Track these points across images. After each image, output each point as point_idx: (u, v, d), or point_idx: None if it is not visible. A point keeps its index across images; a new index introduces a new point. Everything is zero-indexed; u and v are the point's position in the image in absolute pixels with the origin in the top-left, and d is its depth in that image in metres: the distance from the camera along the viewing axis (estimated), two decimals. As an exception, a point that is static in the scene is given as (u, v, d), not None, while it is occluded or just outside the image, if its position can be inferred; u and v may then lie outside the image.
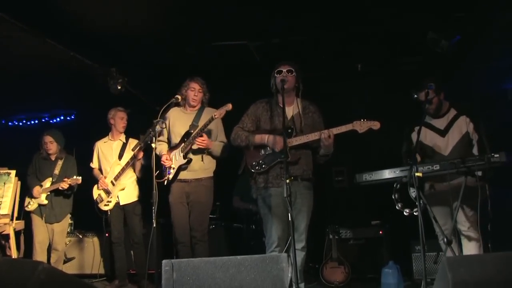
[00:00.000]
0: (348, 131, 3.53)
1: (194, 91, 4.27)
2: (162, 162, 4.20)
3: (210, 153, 4.21)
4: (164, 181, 4.21)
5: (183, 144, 4.17)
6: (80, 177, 5.06)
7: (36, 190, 5.11)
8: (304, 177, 3.67)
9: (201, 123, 4.17)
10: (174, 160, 4.19)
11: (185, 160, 4.12)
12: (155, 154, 4.00)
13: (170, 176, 4.18)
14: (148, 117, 4.25)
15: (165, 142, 4.39)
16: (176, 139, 4.27)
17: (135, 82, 5.80)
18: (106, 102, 5.38)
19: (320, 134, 3.52)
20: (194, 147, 4.10)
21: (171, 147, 4.31)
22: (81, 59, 5.25)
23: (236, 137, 3.79)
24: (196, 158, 4.16)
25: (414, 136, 3.86)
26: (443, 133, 3.78)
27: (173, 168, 4.17)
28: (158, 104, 4.20)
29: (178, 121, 4.30)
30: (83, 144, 5.58)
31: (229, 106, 3.92)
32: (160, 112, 4.03)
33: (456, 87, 4.58)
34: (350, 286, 4.78)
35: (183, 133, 4.23)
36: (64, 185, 5.00)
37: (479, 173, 3.43)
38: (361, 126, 3.50)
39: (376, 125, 3.51)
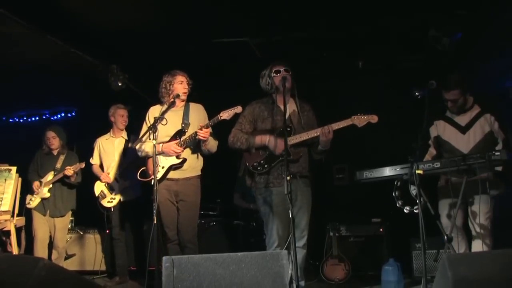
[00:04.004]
0: (348, 126, 3.55)
1: (183, 83, 4.02)
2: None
3: (206, 147, 3.93)
4: (150, 180, 3.95)
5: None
6: (84, 162, 5.08)
7: (36, 185, 5.12)
8: (302, 174, 3.69)
9: (192, 120, 4.01)
10: (164, 159, 3.94)
11: (179, 160, 3.92)
12: (143, 154, 3.99)
13: (158, 175, 3.88)
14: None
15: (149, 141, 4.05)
16: (163, 137, 3.98)
17: (136, 79, 5.80)
18: (107, 99, 5.38)
19: (320, 130, 3.54)
20: (190, 144, 3.93)
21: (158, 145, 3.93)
22: (82, 55, 5.25)
23: (235, 140, 3.75)
24: (186, 157, 3.96)
25: (432, 130, 3.86)
26: (463, 130, 3.72)
27: (163, 167, 3.94)
28: (159, 101, 4.17)
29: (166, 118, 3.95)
30: (84, 141, 5.59)
31: (239, 109, 3.71)
32: (161, 110, 4.00)
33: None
34: (350, 284, 4.78)
35: (171, 131, 4.00)
36: (68, 172, 5.01)
37: (499, 168, 3.42)
38: (359, 120, 3.53)
39: (374, 118, 3.53)
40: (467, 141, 3.69)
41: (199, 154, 4.10)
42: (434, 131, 3.86)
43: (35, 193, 5.12)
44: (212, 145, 4.01)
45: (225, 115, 3.74)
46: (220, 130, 4.06)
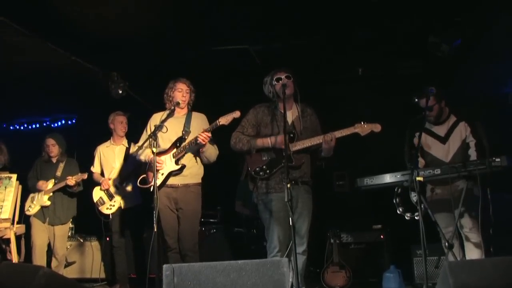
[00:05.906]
0: (351, 134, 3.55)
1: (182, 92, 4.07)
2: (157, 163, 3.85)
3: (204, 154, 3.95)
4: (150, 187, 3.92)
5: (175, 149, 3.97)
6: (86, 173, 5.08)
7: (41, 182, 5.13)
8: (303, 180, 3.68)
9: (192, 129, 4.02)
10: (164, 165, 3.95)
11: (178, 166, 3.93)
12: (141, 159, 4.02)
13: (158, 182, 3.86)
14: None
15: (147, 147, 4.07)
16: (165, 144, 4.02)
17: (136, 86, 5.81)
18: (107, 106, 5.38)
19: (322, 137, 3.54)
20: (191, 147, 3.93)
21: (158, 152, 3.93)
22: (82, 63, 5.27)
23: (237, 141, 3.74)
24: (186, 163, 3.97)
25: (415, 141, 3.87)
26: (443, 140, 3.79)
27: (162, 174, 3.94)
28: (159, 108, 4.18)
29: (167, 125, 3.95)
30: (84, 148, 5.58)
31: (237, 114, 3.71)
32: (161, 118, 4.01)
33: (456, 91, 4.58)
34: (351, 291, 4.77)
35: (173, 138, 4.02)
36: (70, 182, 5.01)
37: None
38: (362, 129, 3.54)
39: (377, 127, 3.54)
40: (447, 151, 3.75)
41: (201, 162, 4.10)
42: (417, 142, 3.88)
43: (40, 190, 5.13)
44: (211, 153, 4.01)
45: (223, 120, 3.75)
46: (220, 136, 4.06)
